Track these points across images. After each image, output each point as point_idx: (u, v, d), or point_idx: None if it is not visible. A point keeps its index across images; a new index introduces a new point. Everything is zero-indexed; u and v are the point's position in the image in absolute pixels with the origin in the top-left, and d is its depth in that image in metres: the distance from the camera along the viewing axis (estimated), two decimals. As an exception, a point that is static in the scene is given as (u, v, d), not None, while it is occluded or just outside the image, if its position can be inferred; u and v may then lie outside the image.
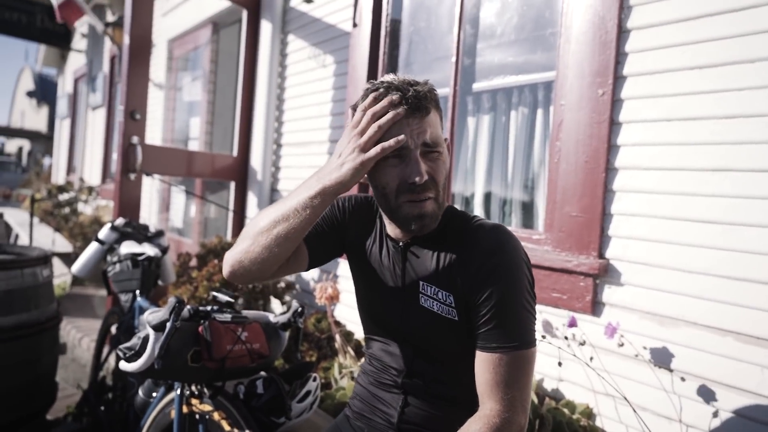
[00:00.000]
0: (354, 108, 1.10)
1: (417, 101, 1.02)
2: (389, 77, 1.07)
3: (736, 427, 1.52)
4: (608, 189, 1.84)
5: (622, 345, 1.70)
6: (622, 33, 1.83)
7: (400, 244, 1.15)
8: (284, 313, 1.99)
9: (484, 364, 1.03)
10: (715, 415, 1.56)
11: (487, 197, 2.50)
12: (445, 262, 1.10)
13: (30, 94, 26.45)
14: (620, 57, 1.82)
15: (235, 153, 3.80)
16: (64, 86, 10.03)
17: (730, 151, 1.57)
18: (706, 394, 1.58)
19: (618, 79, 1.82)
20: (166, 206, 5.43)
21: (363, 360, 2.16)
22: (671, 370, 1.65)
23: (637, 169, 1.78)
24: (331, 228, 1.26)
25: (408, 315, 1.14)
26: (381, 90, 1.04)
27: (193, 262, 3.07)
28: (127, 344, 1.47)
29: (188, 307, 1.51)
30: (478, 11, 2.50)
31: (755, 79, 1.53)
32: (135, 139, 2.98)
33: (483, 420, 0.99)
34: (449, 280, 1.08)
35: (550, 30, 2.20)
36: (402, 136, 1.00)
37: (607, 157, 1.83)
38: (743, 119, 1.55)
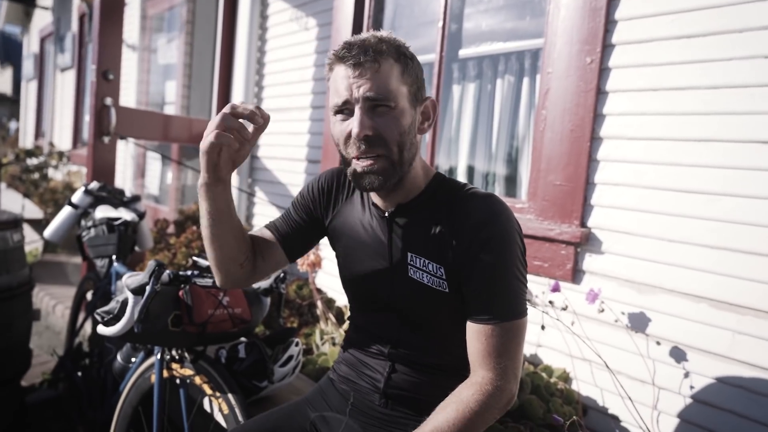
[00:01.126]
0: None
1: (360, 53, 0.99)
2: (352, 38, 1.05)
3: (707, 389, 1.58)
4: (593, 158, 1.85)
5: (602, 311, 1.74)
6: (612, 0, 1.81)
7: (386, 214, 1.12)
8: (267, 278, 1.98)
9: (476, 335, 1.02)
10: (686, 376, 1.61)
11: (471, 165, 2.50)
12: (435, 233, 1.07)
13: (-7, 54, 25.27)
14: (609, 25, 1.81)
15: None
16: (30, 46, 9.60)
17: (715, 121, 1.58)
18: (679, 357, 1.63)
19: (606, 48, 1.81)
20: (141, 172, 5.31)
21: (346, 326, 2.18)
22: (647, 335, 1.70)
23: (621, 139, 1.78)
24: (306, 215, 1.26)
25: (396, 287, 1.12)
26: (334, 52, 1.04)
27: (171, 229, 3.03)
28: (105, 308, 1.46)
29: (168, 271, 1.50)
30: (465, -25, 2.45)
31: (742, 49, 1.53)
32: (109, 101, 2.88)
33: (475, 387, 0.99)
34: (439, 252, 1.06)
35: (539, -5, 2.17)
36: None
37: (592, 126, 1.84)
38: (729, 90, 1.56)
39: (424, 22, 2.59)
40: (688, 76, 1.64)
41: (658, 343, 1.67)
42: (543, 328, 1.85)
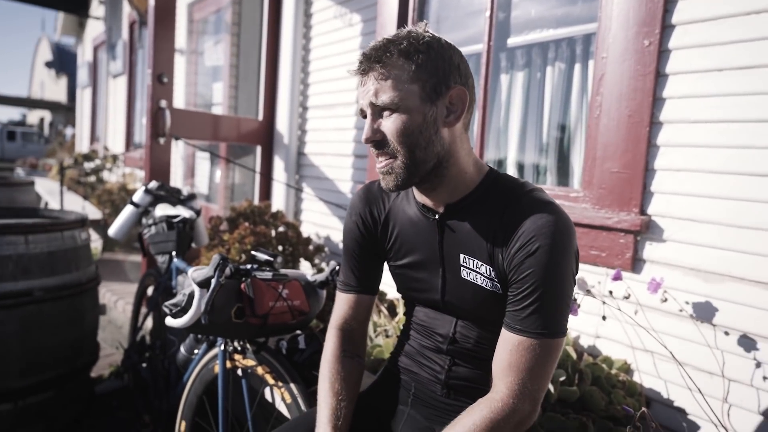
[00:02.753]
0: None
1: (364, 61, 1.01)
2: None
3: (782, 383, 1.51)
4: (652, 144, 1.79)
5: (665, 300, 1.68)
6: (670, -21, 1.75)
7: (436, 216, 1.10)
8: (321, 271, 2.00)
9: (505, 343, 1.00)
10: (758, 367, 1.55)
11: (521, 157, 2.46)
12: (487, 234, 1.04)
13: (48, 64, 26.57)
14: (669, 4, 1.74)
15: (260, 117, 3.78)
16: (84, 55, 10.03)
17: (785, 101, 1.51)
18: (750, 347, 1.56)
19: (666, 29, 1.75)
20: (191, 172, 5.46)
21: (398, 318, 2.18)
22: (714, 325, 1.63)
23: (683, 123, 1.72)
24: (363, 251, 1.24)
25: (450, 287, 1.11)
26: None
27: (223, 226, 3.10)
28: (173, 301, 1.50)
29: (231, 265, 1.52)
30: (512, -38, 2.41)
31: (816, 23, 1.45)
32: (163, 103, 2.97)
33: (487, 403, 0.98)
34: (490, 254, 1.04)
35: (590, -21, 2.11)
36: None
37: (651, 111, 1.77)
38: (801, 67, 1.48)
39: (471, 12, 2.56)
40: (755, 54, 1.56)
41: (727, 333, 1.61)
42: (604, 318, 1.80)
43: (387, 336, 2.18)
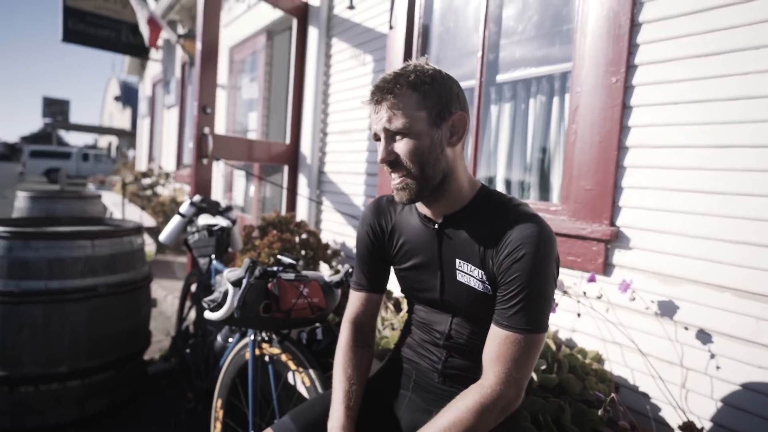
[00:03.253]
0: None
1: (377, 92, 1.01)
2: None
3: (732, 370, 1.47)
4: (620, 165, 1.77)
5: (633, 299, 1.65)
6: (634, 26, 1.73)
7: (435, 225, 1.10)
8: (337, 273, 2.00)
9: (494, 338, 0.99)
10: (713, 358, 1.51)
11: (509, 175, 2.45)
12: (479, 242, 1.04)
13: (117, 98, 27.07)
14: (632, 48, 1.73)
15: (287, 141, 3.81)
16: (144, 90, 10.21)
17: (731, 129, 1.48)
18: (705, 341, 1.53)
19: (630, 68, 1.74)
20: (230, 187, 5.51)
21: (403, 313, 2.17)
22: (675, 321, 1.60)
23: (646, 147, 1.70)
24: (376, 254, 1.24)
25: (447, 289, 1.11)
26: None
27: (255, 233, 3.11)
28: (210, 297, 1.51)
29: (259, 267, 1.55)
30: (501, 11, 2.41)
31: (758, 64, 1.43)
32: (207, 130, 3.01)
33: (477, 389, 0.97)
34: (482, 260, 1.04)
35: (566, 26, 2.11)
36: None
37: (619, 137, 1.76)
38: (744, 101, 1.46)
39: (466, 52, 2.57)
40: (706, 90, 1.54)
41: (686, 329, 1.58)
42: (579, 315, 1.78)
43: (393, 329, 2.16)
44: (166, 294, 4.09)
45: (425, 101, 1.00)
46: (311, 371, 1.54)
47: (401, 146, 1.00)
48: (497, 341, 0.98)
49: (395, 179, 1.04)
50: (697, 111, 1.56)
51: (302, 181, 3.72)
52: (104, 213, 6.95)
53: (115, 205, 6.51)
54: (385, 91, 0.99)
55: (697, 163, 1.56)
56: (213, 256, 2.32)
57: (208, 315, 1.51)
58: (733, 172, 1.48)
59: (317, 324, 1.72)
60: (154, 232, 5.45)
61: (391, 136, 1.01)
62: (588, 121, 1.85)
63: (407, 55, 2.79)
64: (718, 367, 1.50)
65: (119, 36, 8.99)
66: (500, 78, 2.43)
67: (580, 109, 1.88)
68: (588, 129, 1.85)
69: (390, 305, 2.35)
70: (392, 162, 1.01)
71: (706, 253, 1.53)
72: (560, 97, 2.18)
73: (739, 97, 1.47)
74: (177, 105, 7.30)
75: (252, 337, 1.67)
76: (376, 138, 1.04)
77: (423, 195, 1.04)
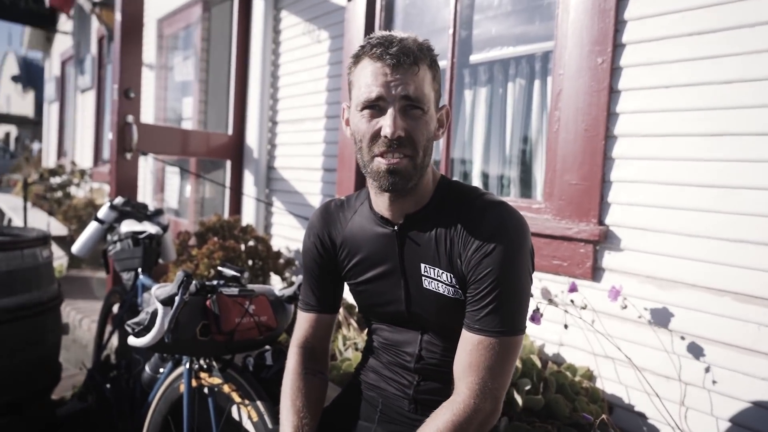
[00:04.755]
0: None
1: (400, 54, 0.98)
2: (380, 33, 1.03)
3: (734, 383, 1.55)
4: (608, 156, 1.83)
5: (625, 308, 1.71)
6: (620, 0, 1.80)
7: (395, 227, 1.10)
8: (290, 286, 1.98)
9: (464, 344, 1.00)
10: (711, 371, 1.58)
11: (486, 169, 2.48)
12: (444, 241, 1.05)
13: (15, 78, 25.79)
14: (619, 25, 1.80)
15: (230, 131, 3.75)
16: (51, 69, 9.77)
17: (729, 115, 1.56)
18: (703, 352, 1.60)
19: (617, 47, 1.80)
20: (161, 187, 5.37)
21: (367, 333, 2.17)
22: (671, 331, 1.67)
23: (636, 136, 1.77)
24: (326, 268, 1.23)
25: (414, 299, 1.11)
26: (363, 48, 1.02)
27: (192, 241, 3.04)
28: (136, 319, 1.46)
29: (195, 281, 1.50)
30: (473, -18, 2.45)
31: (754, 43, 1.51)
32: (130, 118, 2.92)
33: (449, 406, 0.98)
34: (449, 260, 1.05)
35: (547, 0, 2.17)
36: None
37: (606, 125, 1.82)
38: (742, 84, 1.54)
39: (434, 29, 2.60)
40: (700, 72, 1.62)
41: (683, 338, 1.64)
42: (566, 327, 1.82)
43: (356, 349, 2.16)
44: (81, 317, 3.92)
45: (434, 83, 1.04)
46: (259, 403, 1.51)
47: (416, 124, 1.00)
48: (469, 348, 0.99)
49: (391, 158, 1.00)
50: (693, 95, 1.63)
51: (248, 179, 3.66)
52: (0, 220, 6.62)
53: (15, 210, 6.21)
54: (409, 54, 0.98)
55: (694, 154, 1.63)
56: (139, 270, 2.24)
57: (133, 341, 1.45)
58: (735, 163, 1.55)
59: (266, 347, 1.68)
60: (66, 242, 5.23)
61: (404, 108, 0.99)
62: (572, 108, 1.90)
63: (369, 30, 2.79)
64: (717, 381, 1.58)
65: (17, 1, 8.57)
66: (474, 58, 2.46)
67: (564, 93, 1.93)
68: (572, 116, 1.90)
69: (353, 322, 2.34)
70: (402, 140, 0.99)
71: (704, 253, 1.61)
72: (542, 80, 2.24)
73: (738, 79, 1.54)
74: (94, 88, 7.03)
75: (187, 365, 1.62)
76: (375, 104, 0.99)
77: (412, 184, 1.03)
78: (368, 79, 1.00)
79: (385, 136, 0.98)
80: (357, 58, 1.03)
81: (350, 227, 1.18)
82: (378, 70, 0.99)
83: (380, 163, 1.01)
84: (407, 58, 0.98)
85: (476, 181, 2.50)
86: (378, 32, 1.03)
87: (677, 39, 1.67)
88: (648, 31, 1.73)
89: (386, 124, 0.98)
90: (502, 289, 0.98)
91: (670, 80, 1.68)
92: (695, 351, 1.62)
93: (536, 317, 1.72)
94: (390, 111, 0.98)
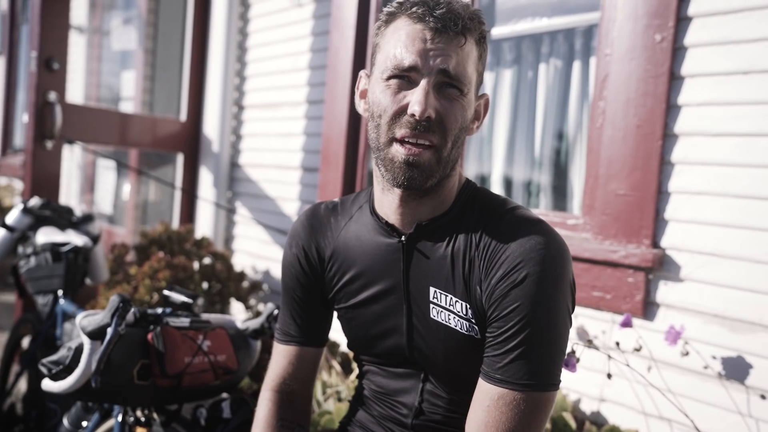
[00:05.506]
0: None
1: (447, 18, 0.99)
2: None
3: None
4: (666, 161, 1.84)
5: (686, 354, 1.70)
6: (686, -38, 1.82)
7: (403, 238, 1.10)
8: (256, 316, 1.96)
9: (481, 398, 0.99)
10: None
11: (508, 172, 2.49)
12: (462, 262, 1.05)
13: None
14: (684, -8, 1.82)
15: (183, 117, 3.75)
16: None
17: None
18: (788, 415, 1.60)
19: (681, 21, 1.81)
20: (91, 186, 5.37)
21: (354, 375, 2.15)
22: (747, 387, 1.66)
23: (703, 136, 1.77)
24: (307, 292, 1.23)
25: (417, 332, 1.11)
26: (401, 4, 1.03)
27: (131, 256, 3.02)
28: (53, 357, 1.46)
29: (134, 309, 1.50)
30: (498, -65, 2.48)
31: None
32: (52, 96, 2.91)
33: None
34: (466, 286, 1.05)
35: (592, -41, 2.19)
36: None
37: (665, 121, 1.83)
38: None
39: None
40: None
41: (763, 397, 1.64)
42: (609, 376, 1.81)
43: (339, 399, 2.14)
44: (-18, 351, 3.88)
45: (479, 65, 1.06)
46: (213, 470, 1.50)
47: (450, 106, 1.01)
48: (486, 403, 0.98)
49: (411, 148, 1.00)
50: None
51: (206, 178, 3.66)
52: None
53: None
54: (458, 21, 0.99)
55: (774, 160, 1.64)
56: (60, 293, 2.24)
57: (48, 386, 1.45)
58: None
59: (224, 394, 1.68)
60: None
61: (440, 84, 1.00)
62: (622, 98, 1.91)
63: (364, -7, 2.80)
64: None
65: None
66: (498, 32, 2.48)
67: (611, 79, 1.94)
68: (621, 108, 1.91)
69: (335, 364, 2.32)
70: (431, 122, 0.99)
71: (787, 287, 1.61)
72: (583, 61, 2.25)
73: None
74: (3, 54, 7.01)
75: (120, 417, 1.60)
76: (405, 75, 1.00)
77: (429, 182, 1.03)
78: (402, 42, 1.00)
79: (412, 114, 0.98)
80: (391, 16, 1.04)
81: (343, 236, 1.18)
82: (416, 33, 1.00)
83: (398, 151, 1.01)
84: (454, 24, 0.99)
85: (496, 188, 2.50)
86: None
87: (761, 11, 1.67)
88: (722, 0, 1.74)
89: (415, 100, 0.98)
90: (534, 329, 0.97)
91: (750, 64, 1.69)
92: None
93: (571, 363, 1.71)
94: (422, 84, 0.99)
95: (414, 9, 1.00)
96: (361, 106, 1.13)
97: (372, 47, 1.09)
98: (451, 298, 1.06)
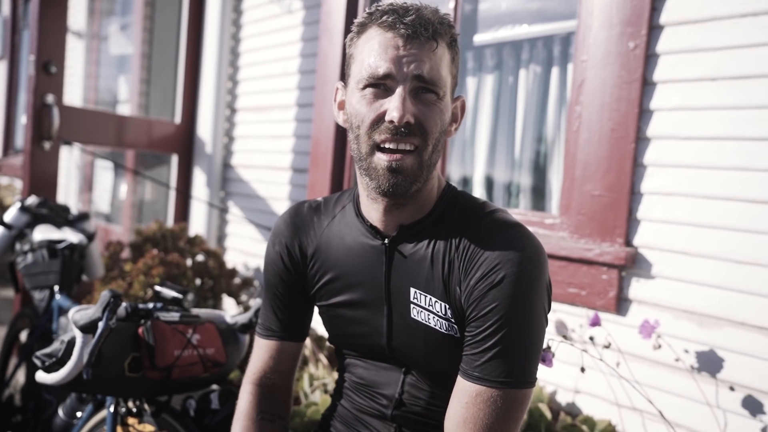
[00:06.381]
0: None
1: (416, 24, 0.98)
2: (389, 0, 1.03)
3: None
4: (639, 162, 1.85)
5: (659, 347, 1.71)
6: (658, -26, 1.83)
7: (386, 240, 1.10)
8: (246, 311, 1.96)
9: (460, 395, 0.99)
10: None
11: (489, 173, 2.50)
12: (442, 263, 1.05)
13: None
14: (657, 2, 1.82)
15: (177, 119, 3.75)
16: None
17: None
18: (757, 407, 1.60)
19: (653, 29, 1.82)
20: (89, 185, 5.34)
21: (338, 369, 2.15)
22: (716, 379, 1.67)
23: (674, 139, 1.78)
24: (288, 288, 1.23)
25: (397, 331, 1.11)
26: (370, 15, 1.03)
27: (126, 253, 3.01)
28: (47, 350, 1.46)
29: (125, 303, 1.51)
30: (481, -54, 2.49)
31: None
32: (50, 98, 2.89)
33: None
34: (446, 287, 1.05)
35: (569, -30, 2.20)
36: None
37: (637, 125, 1.84)
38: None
39: (432, 2, 2.61)
40: (758, 61, 1.63)
41: (732, 389, 1.65)
42: (583, 370, 1.82)
43: (326, 392, 2.14)
44: (-19, 346, 3.85)
45: (452, 68, 1.05)
46: (201, 459, 1.50)
47: (429, 111, 1.01)
48: (465, 399, 0.98)
49: (392, 154, 1.00)
50: (746, 89, 1.65)
51: (199, 179, 3.65)
52: None
53: None
54: (428, 27, 0.99)
55: (747, 162, 1.64)
56: (56, 288, 2.23)
57: (41, 377, 1.44)
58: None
59: (213, 386, 1.68)
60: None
61: (416, 90, 1.00)
62: (597, 102, 1.92)
63: (352, 1, 2.80)
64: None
65: None
66: (480, 39, 2.49)
67: (587, 84, 1.95)
68: (597, 112, 1.92)
69: (322, 357, 2.32)
70: (411, 127, 0.99)
71: (755, 284, 1.61)
72: (561, 67, 2.26)
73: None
74: (5, 58, 6.96)
75: (112, 408, 1.59)
76: (381, 83, 1.00)
77: (414, 187, 1.03)
78: (375, 51, 1.00)
79: (391, 121, 0.97)
80: (362, 26, 1.04)
81: (326, 235, 1.18)
82: (388, 42, 0.99)
83: (380, 159, 1.01)
84: (425, 30, 0.98)
85: (477, 189, 2.51)
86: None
87: (729, 21, 1.68)
88: (692, 10, 1.75)
89: (393, 106, 0.98)
90: (511, 329, 0.97)
91: (717, 70, 1.70)
92: (752, 407, 1.61)
93: (547, 357, 1.72)
94: (399, 91, 0.98)
95: (384, 18, 0.99)
96: (340, 117, 1.12)
97: (346, 58, 1.08)
98: (431, 299, 1.06)
